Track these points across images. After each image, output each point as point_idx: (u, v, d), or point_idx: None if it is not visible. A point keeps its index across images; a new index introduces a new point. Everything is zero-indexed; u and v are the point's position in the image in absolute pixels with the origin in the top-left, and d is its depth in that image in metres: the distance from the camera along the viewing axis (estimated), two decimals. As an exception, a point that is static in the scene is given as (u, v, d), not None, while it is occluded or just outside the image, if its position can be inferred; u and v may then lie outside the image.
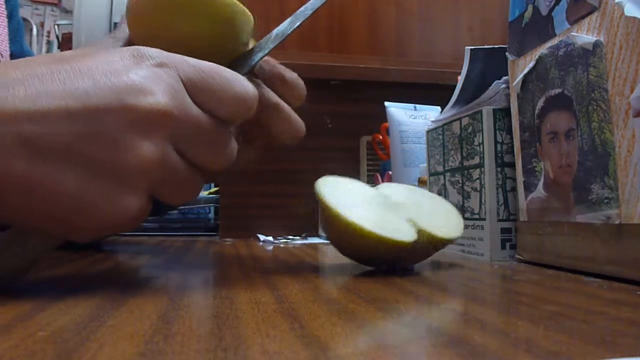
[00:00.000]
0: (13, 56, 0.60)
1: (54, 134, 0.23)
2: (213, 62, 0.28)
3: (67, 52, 0.26)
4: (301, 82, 0.35)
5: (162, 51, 0.26)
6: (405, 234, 0.34)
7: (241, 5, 0.32)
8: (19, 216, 0.24)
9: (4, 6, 0.59)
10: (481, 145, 0.45)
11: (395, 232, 0.33)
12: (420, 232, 0.34)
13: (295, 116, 0.35)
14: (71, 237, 0.26)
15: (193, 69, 0.26)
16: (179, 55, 0.27)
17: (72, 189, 0.23)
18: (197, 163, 0.27)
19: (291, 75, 0.35)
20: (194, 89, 0.26)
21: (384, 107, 0.85)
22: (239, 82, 0.27)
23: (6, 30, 0.59)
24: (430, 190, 0.56)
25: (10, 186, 0.23)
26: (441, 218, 0.38)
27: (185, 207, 0.94)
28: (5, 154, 0.22)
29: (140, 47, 0.26)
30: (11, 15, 0.63)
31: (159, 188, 0.26)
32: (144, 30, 0.31)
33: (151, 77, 0.25)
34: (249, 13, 0.32)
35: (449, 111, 0.53)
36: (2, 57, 0.57)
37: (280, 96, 0.34)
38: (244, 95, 0.27)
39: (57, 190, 0.23)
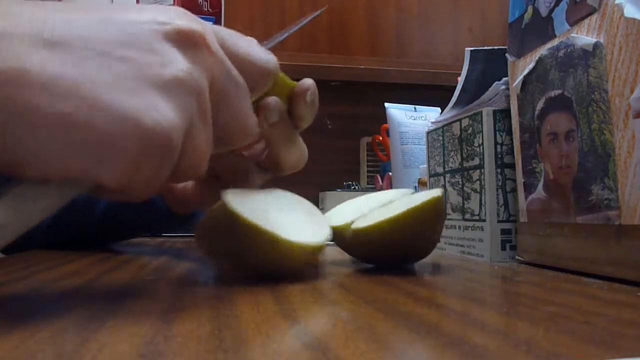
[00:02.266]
0: None
1: (83, 36, 0.21)
2: None
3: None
4: (316, 103, 0.35)
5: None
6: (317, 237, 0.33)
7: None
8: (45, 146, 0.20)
9: None
10: (481, 146, 0.45)
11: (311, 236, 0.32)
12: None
13: (302, 146, 0.36)
14: (97, 174, 0.21)
15: (224, 29, 0.27)
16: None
17: (105, 91, 0.21)
18: (221, 125, 0.26)
19: (311, 98, 0.34)
20: (223, 45, 0.26)
21: (384, 108, 0.85)
22: (263, 53, 0.28)
23: None
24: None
25: (43, 90, 0.20)
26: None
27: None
28: (33, 54, 0.20)
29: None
30: None
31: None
32: None
33: (191, 18, 0.24)
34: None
35: (449, 112, 0.53)
36: None
37: (296, 115, 0.34)
38: (266, 64, 0.28)
39: (91, 91, 0.20)
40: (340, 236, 0.38)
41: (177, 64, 0.23)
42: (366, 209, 0.40)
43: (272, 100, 0.32)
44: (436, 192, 0.35)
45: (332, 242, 0.38)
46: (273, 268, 0.32)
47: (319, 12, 0.35)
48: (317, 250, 0.32)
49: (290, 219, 0.33)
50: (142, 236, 0.63)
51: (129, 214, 0.51)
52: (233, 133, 0.27)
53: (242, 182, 0.36)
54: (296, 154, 0.36)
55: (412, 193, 0.41)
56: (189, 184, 0.42)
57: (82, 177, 0.21)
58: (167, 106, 0.22)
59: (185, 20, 0.24)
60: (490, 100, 0.46)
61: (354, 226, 0.36)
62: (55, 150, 0.20)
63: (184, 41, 0.23)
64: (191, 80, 0.23)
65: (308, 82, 0.34)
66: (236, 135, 0.27)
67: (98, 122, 0.20)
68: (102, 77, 0.21)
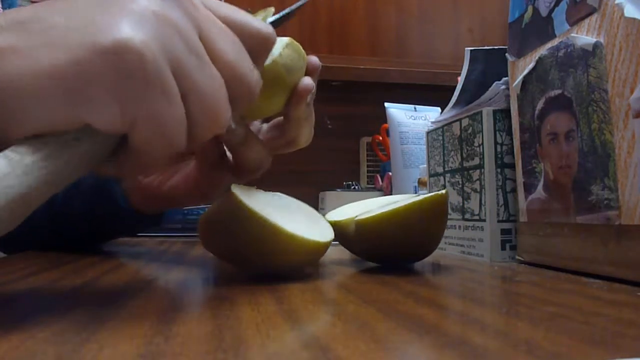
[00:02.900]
0: None
1: None
2: None
3: None
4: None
5: None
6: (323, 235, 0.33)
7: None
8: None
9: (0, 5, 0.59)
10: (481, 146, 0.45)
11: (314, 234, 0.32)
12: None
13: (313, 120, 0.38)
14: (86, 115, 0.20)
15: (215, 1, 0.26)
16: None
17: (64, 29, 0.20)
18: (220, 64, 0.23)
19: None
20: (216, 11, 0.25)
21: (384, 108, 0.85)
22: (259, 21, 0.27)
23: None
24: (430, 192, 0.56)
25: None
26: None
27: (185, 208, 0.94)
28: None
29: None
30: None
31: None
32: None
33: None
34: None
35: (449, 112, 0.53)
36: None
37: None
38: (266, 29, 0.26)
39: (49, 35, 0.20)
40: (343, 232, 0.38)
41: (153, 2, 0.21)
42: (370, 208, 0.40)
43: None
44: (441, 191, 0.35)
45: (335, 242, 0.38)
46: (274, 262, 0.32)
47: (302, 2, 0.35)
48: (319, 247, 0.32)
49: (293, 218, 0.33)
50: (117, 237, 0.63)
51: (97, 212, 0.50)
52: (236, 76, 0.25)
53: (254, 170, 0.37)
54: (310, 130, 0.38)
55: (416, 195, 0.42)
56: (159, 177, 0.43)
57: (71, 123, 0.20)
58: (132, 28, 0.20)
59: None
60: (490, 100, 0.46)
61: (357, 219, 0.36)
62: (22, 101, 0.19)
63: None
64: (169, 15, 0.22)
65: (315, 62, 0.36)
66: (243, 83, 0.25)
67: (62, 59, 0.19)
68: (62, 20, 0.20)
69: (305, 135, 0.38)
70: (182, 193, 0.43)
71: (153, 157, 0.23)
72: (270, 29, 0.27)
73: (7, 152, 0.19)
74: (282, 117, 0.38)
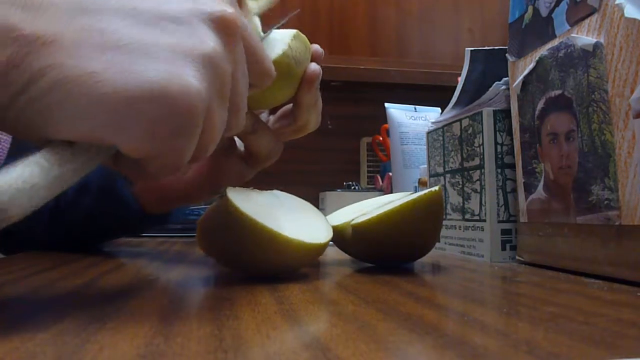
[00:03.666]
0: None
1: (118, 6, 0.21)
2: None
3: None
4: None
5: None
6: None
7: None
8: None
9: None
10: (481, 147, 0.45)
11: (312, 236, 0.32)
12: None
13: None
14: (115, 137, 0.21)
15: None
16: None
17: (138, 56, 0.21)
18: (230, 103, 0.26)
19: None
20: (244, 37, 0.26)
21: (384, 109, 0.85)
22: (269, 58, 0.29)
23: None
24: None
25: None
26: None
27: (186, 208, 0.94)
28: (71, 21, 0.20)
29: None
30: None
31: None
32: None
33: (228, 3, 0.25)
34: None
35: (449, 112, 0.53)
36: None
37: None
38: (270, 68, 0.29)
39: (124, 54, 0.21)
40: (340, 236, 0.38)
41: (212, 43, 0.23)
42: (367, 210, 0.40)
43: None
44: (434, 188, 0.35)
45: (331, 243, 0.38)
46: (271, 266, 0.32)
47: (286, 19, 0.37)
48: (317, 249, 0.32)
49: (290, 218, 0.33)
50: (124, 237, 0.63)
51: (105, 213, 0.51)
52: (231, 124, 0.27)
53: (266, 159, 0.40)
54: (319, 114, 0.40)
55: (412, 193, 0.42)
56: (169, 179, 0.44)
57: (100, 139, 0.21)
58: (197, 78, 0.22)
59: (226, 6, 0.24)
60: (490, 100, 0.46)
61: (353, 223, 0.36)
62: (76, 109, 0.20)
63: (222, 27, 0.24)
64: (221, 62, 0.23)
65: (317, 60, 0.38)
66: (232, 123, 0.27)
67: (124, 83, 0.20)
68: (137, 43, 0.21)
69: (314, 120, 0.40)
70: (196, 187, 0.44)
71: (156, 175, 0.24)
72: (272, 71, 0.29)
73: (40, 159, 0.20)
74: (289, 106, 0.40)
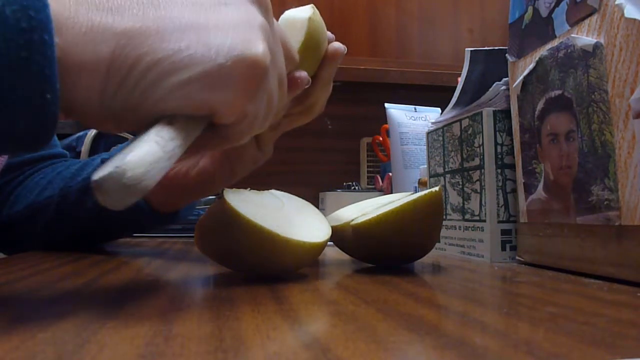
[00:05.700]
0: None
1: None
2: None
3: None
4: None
5: None
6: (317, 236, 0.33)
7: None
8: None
9: None
10: (481, 147, 0.45)
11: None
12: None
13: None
14: (215, 103, 0.25)
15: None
16: None
17: (214, 30, 0.25)
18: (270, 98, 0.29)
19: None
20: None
21: (384, 109, 0.85)
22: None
23: None
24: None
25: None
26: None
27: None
28: (148, 10, 0.24)
29: None
30: None
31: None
32: None
33: None
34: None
35: (449, 113, 0.53)
36: None
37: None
38: (295, 55, 0.33)
39: (203, 30, 0.24)
40: (340, 236, 0.38)
41: (261, 17, 0.27)
42: (367, 210, 0.40)
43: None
44: (434, 188, 0.35)
45: (331, 243, 0.38)
46: (270, 267, 0.32)
47: None
48: (316, 248, 0.32)
49: (288, 218, 0.33)
50: (128, 236, 0.62)
51: (111, 213, 0.50)
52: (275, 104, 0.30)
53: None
54: (326, 98, 0.42)
55: (412, 194, 0.42)
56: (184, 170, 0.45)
57: (200, 104, 0.24)
58: (260, 41, 0.26)
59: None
60: (490, 100, 0.46)
61: (353, 223, 0.36)
62: (176, 81, 0.23)
63: (261, 4, 0.28)
64: (269, 30, 0.27)
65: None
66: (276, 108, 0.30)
67: (209, 54, 0.24)
68: (208, 22, 0.25)
69: (322, 101, 0.42)
70: (211, 173, 0.45)
71: (229, 143, 0.28)
72: (297, 57, 0.33)
73: (154, 137, 0.23)
74: None
